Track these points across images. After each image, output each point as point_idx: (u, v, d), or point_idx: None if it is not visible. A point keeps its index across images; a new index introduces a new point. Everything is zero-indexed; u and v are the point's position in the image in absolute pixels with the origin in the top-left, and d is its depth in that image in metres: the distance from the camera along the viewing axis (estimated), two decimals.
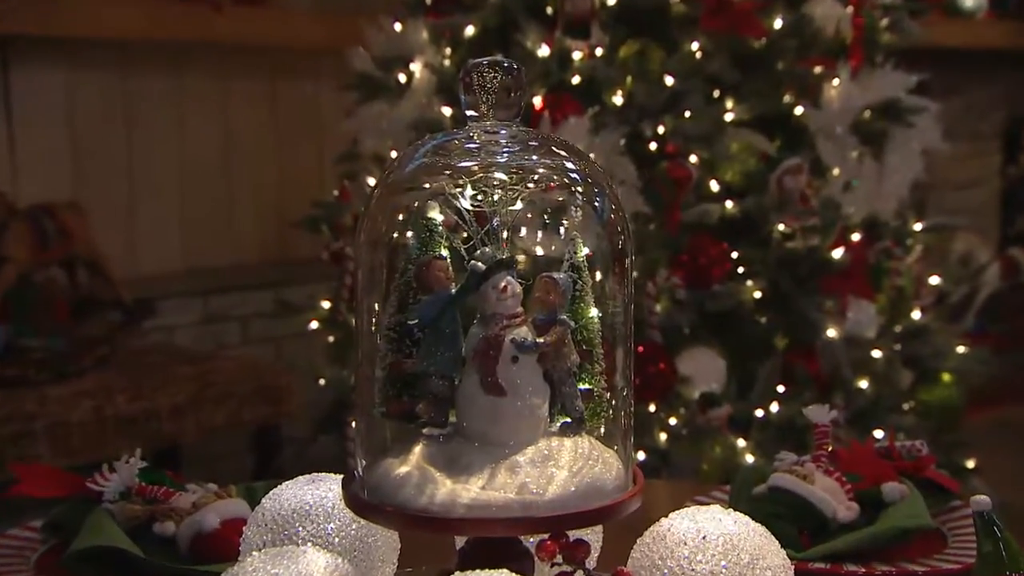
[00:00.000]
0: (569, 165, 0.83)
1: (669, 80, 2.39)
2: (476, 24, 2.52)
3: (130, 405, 2.55)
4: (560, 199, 0.83)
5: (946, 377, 2.62)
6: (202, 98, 3.42)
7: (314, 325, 2.86)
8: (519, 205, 0.82)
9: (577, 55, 2.40)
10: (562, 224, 0.84)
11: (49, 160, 3.13)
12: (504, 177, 0.81)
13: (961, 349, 2.69)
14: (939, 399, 2.59)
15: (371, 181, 2.74)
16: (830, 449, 1.13)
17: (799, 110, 2.48)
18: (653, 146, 2.40)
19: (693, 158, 2.38)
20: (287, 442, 2.97)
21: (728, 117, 2.42)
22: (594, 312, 0.85)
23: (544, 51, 2.41)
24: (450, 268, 0.82)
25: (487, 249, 0.82)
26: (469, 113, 0.82)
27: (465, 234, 0.82)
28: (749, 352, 2.42)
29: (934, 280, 2.76)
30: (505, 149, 0.81)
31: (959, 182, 4.68)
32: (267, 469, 2.93)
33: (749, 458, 2.31)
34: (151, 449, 2.72)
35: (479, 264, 0.81)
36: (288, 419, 2.90)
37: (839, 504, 1.08)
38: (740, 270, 2.41)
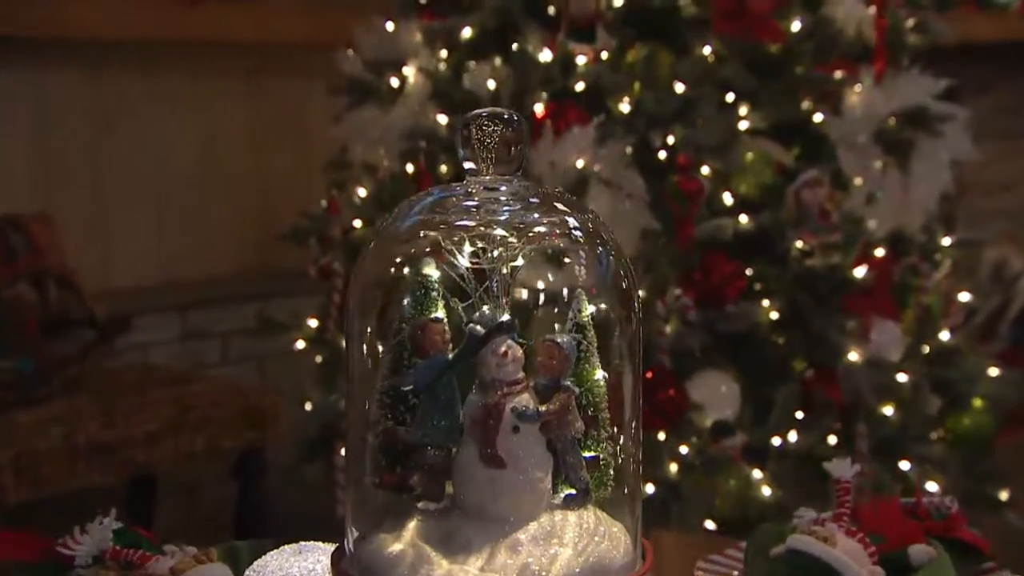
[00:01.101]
0: (571, 221, 0.84)
1: (679, 87, 2.38)
2: (473, 26, 2.51)
3: (102, 432, 2.55)
4: (563, 257, 0.84)
5: (977, 403, 2.61)
6: (178, 100, 3.41)
7: (300, 344, 2.85)
8: (520, 263, 0.82)
9: (581, 60, 2.39)
10: (565, 283, 0.84)
11: (15, 168, 3.13)
12: (504, 234, 0.81)
13: (993, 372, 2.69)
14: (970, 427, 2.58)
15: (361, 192, 2.74)
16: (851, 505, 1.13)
17: (819, 118, 2.47)
18: (662, 156, 2.39)
19: (705, 169, 2.38)
20: (272, 468, 2.97)
21: (743, 126, 2.41)
22: (600, 375, 0.85)
23: (546, 55, 2.40)
24: (447, 331, 0.83)
25: (486, 311, 0.82)
26: (467, 166, 0.82)
27: (463, 293, 0.83)
28: (765, 377, 2.41)
29: (964, 297, 2.74)
30: (505, 207, 0.82)
31: (989, 185, 4.67)
32: (250, 498, 2.93)
33: (765, 491, 2.31)
34: (125, 478, 2.73)
35: (478, 327, 0.81)
36: (272, 443, 2.90)
37: (862, 568, 1.07)
38: (756, 288, 2.41)
